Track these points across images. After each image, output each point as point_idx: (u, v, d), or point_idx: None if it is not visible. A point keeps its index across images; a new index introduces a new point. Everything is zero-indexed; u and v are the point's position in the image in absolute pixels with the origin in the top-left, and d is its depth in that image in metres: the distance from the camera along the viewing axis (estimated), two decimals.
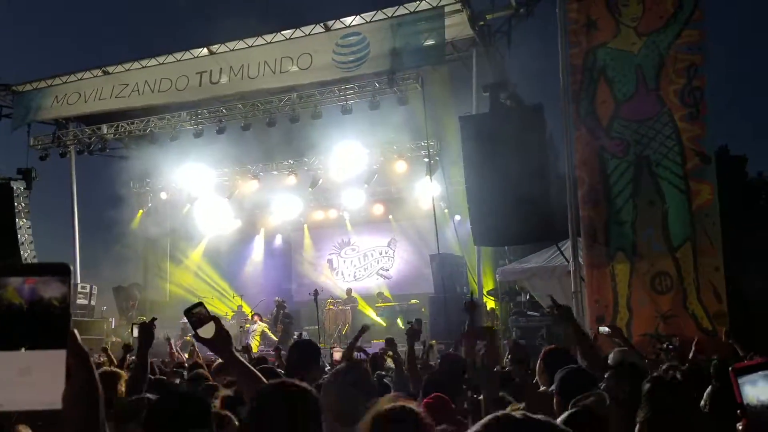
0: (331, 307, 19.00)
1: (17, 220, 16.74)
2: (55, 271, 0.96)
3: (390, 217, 20.83)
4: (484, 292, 14.78)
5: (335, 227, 21.88)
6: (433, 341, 8.92)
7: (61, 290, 0.96)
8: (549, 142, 14.42)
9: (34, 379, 0.93)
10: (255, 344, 16.10)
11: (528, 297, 14.10)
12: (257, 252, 23.05)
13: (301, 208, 21.41)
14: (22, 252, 16.67)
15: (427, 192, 16.71)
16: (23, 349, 0.94)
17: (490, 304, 15.34)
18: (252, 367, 2.38)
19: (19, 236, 16.71)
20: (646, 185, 9.60)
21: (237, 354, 2.36)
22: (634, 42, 9.79)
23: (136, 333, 5.57)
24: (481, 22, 12.34)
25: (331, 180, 19.30)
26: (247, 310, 19.11)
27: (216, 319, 2.20)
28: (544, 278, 13.33)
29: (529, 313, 14.03)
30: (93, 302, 17.67)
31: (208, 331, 2.17)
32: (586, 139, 9.98)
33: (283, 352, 15.11)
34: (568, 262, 10.87)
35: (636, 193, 9.63)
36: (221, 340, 2.24)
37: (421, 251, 19.86)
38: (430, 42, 12.17)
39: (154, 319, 4.33)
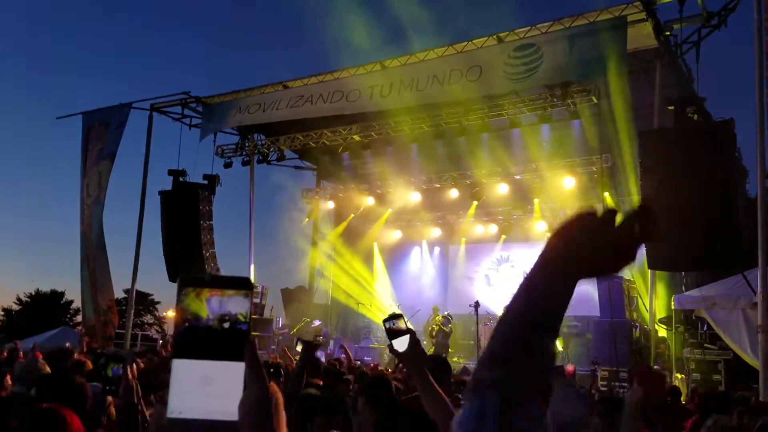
0: (487, 323, 18.73)
1: (201, 221, 18.08)
2: (239, 285, 0.99)
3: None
4: (656, 320, 13.82)
5: (494, 242, 21.57)
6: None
7: (243, 304, 0.98)
8: (737, 161, 13.27)
9: (215, 389, 0.94)
10: None
11: (706, 328, 13.00)
12: (415, 262, 23.37)
13: (461, 221, 21.40)
14: (204, 252, 17.96)
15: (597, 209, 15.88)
16: (207, 359, 0.95)
17: (661, 332, 14.33)
18: (440, 390, 2.25)
19: (201, 236, 18.06)
20: None
21: (429, 375, 2.29)
22: None
23: (299, 348, 5.88)
24: (667, 32, 11.60)
25: (494, 195, 19.06)
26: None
27: (413, 334, 2.18)
28: (726, 309, 12.24)
29: (706, 345, 12.96)
30: (264, 301, 18.86)
31: (402, 344, 2.16)
32: None
33: None
34: (755, 292, 9.84)
35: None
36: (415, 357, 2.20)
37: None
38: (609, 53, 11.58)
39: (318, 345, 4.49)
